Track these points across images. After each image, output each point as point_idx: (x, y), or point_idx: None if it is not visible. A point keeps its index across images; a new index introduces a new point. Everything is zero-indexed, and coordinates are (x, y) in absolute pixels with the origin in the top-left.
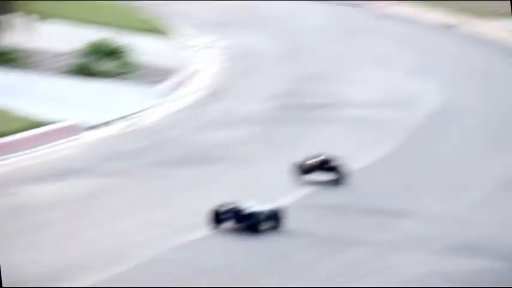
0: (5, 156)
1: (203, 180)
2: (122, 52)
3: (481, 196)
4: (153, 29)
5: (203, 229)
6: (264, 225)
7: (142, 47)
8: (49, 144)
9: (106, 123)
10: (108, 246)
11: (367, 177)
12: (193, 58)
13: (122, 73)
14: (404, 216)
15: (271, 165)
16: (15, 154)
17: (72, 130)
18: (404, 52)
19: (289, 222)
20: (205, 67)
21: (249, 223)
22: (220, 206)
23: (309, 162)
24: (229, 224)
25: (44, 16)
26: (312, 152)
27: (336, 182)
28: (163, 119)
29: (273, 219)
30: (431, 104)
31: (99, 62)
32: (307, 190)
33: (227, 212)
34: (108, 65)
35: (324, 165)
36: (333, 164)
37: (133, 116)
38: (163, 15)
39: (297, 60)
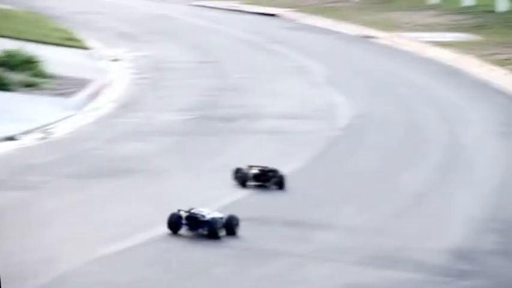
0: None
1: (121, 192)
2: (34, 63)
3: (395, 208)
4: (67, 39)
5: (124, 241)
6: (222, 232)
7: (56, 58)
8: None
9: (17, 136)
10: (20, 261)
11: (287, 188)
12: (107, 69)
13: (34, 84)
14: (324, 227)
15: (191, 176)
16: None
17: None
18: (321, 63)
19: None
20: (118, 78)
21: (210, 229)
22: (180, 210)
23: (247, 171)
24: (183, 230)
25: None
26: (230, 163)
27: (278, 188)
28: (76, 131)
29: (230, 225)
30: (348, 116)
31: (11, 73)
32: (229, 201)
33: (186, 217)
34: (19, 76)
35: (264, 174)
36: (271, 173)
37: (46, 128)
38: (78, 26)
39: (211, 72)
